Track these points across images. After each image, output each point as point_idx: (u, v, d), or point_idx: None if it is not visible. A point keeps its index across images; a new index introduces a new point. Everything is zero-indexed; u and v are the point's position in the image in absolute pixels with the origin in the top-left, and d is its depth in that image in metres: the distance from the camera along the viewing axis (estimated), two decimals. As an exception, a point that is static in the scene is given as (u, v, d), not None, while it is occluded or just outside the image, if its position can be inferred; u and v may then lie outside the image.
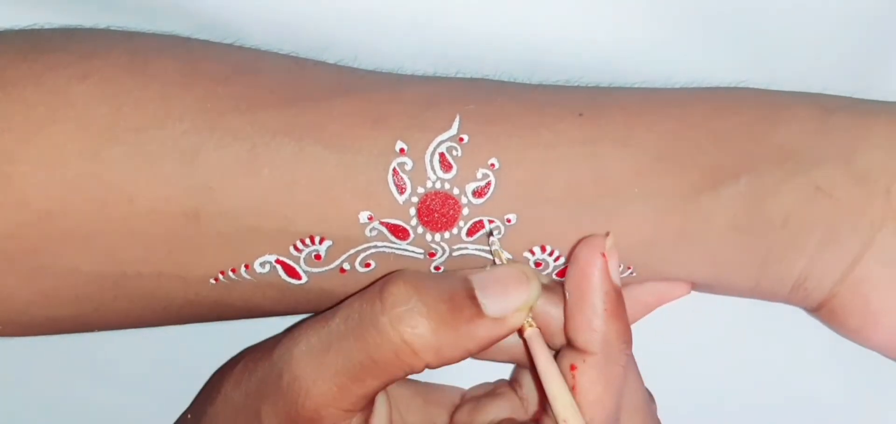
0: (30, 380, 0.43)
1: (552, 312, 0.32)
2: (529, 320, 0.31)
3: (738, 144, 0.33)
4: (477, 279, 0.31)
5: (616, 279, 0.31)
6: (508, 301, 0.31)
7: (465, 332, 0.30)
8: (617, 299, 0.31)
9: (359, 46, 0.36)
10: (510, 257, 0.32)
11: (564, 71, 0.36)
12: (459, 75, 0.36)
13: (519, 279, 0.31)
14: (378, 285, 0.30)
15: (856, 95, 0.37)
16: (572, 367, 0.31)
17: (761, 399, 0.45)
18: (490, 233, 0.32)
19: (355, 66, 0.35)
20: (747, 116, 0.34)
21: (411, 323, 0.29)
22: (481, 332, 0.30)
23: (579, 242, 0.31)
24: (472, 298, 0.30)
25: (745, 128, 0.33)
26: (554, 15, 0.36)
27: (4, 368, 0.43)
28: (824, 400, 0.44)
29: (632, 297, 0.34)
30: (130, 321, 0.36)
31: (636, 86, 0.36)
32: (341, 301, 0.31)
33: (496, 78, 0.36)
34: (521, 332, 0.31)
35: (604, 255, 0.31)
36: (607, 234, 0.31)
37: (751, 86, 0.36)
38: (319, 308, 0.35)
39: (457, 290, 0.30)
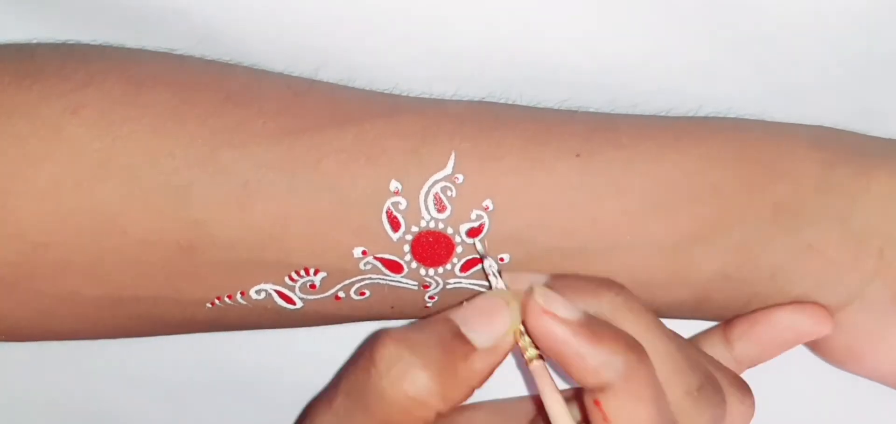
0: (29, 381, 0.44)
1: None
2: (534, 350, 0.31)
3: (733, 196, 0.33)
4: (460, 317, 0.31)
5: (571, 315, 0.29)
6: (494, 329, 0.30)
7: (463, 370, 0.30)
8: (588, 330, 0.29)
9: (358, 56, 0.35)
10: (504, 286, 0.32)
11: (565, 82, 0.35)
12: (460, 89, 0.35)
13: (498, 305, 0.31)
14: (366, 351, 0.30)
15: (862, 109, 0.36)
16: (596, 403, 0.29)
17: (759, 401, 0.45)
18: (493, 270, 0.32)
19: (355, 76, 0.35)
20: (745, 168, 0.33)
21: (411, 378, 0.29)
22: (478, 365, 0.30)
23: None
24: (460, 336, 0.30)
25: (742, 180, 0.33)
26: (555, 24, 0.35)
27: (5, 370, 0.43)
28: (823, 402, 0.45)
29: (764, 338, 0.34)
30: (128, 335, 0.36)
31: (637, 105, 0.35)
32: (336, 376, 0.30)
33: (495, 86, 0.35)
34: (527, 363, 0.31)
35: (546, 312, 0.29)
36: (532, 290, 0.30)
37: (756, 92, 0.35)
38: (315, 326, 0.36)
39: (444, 333, 0.30)
